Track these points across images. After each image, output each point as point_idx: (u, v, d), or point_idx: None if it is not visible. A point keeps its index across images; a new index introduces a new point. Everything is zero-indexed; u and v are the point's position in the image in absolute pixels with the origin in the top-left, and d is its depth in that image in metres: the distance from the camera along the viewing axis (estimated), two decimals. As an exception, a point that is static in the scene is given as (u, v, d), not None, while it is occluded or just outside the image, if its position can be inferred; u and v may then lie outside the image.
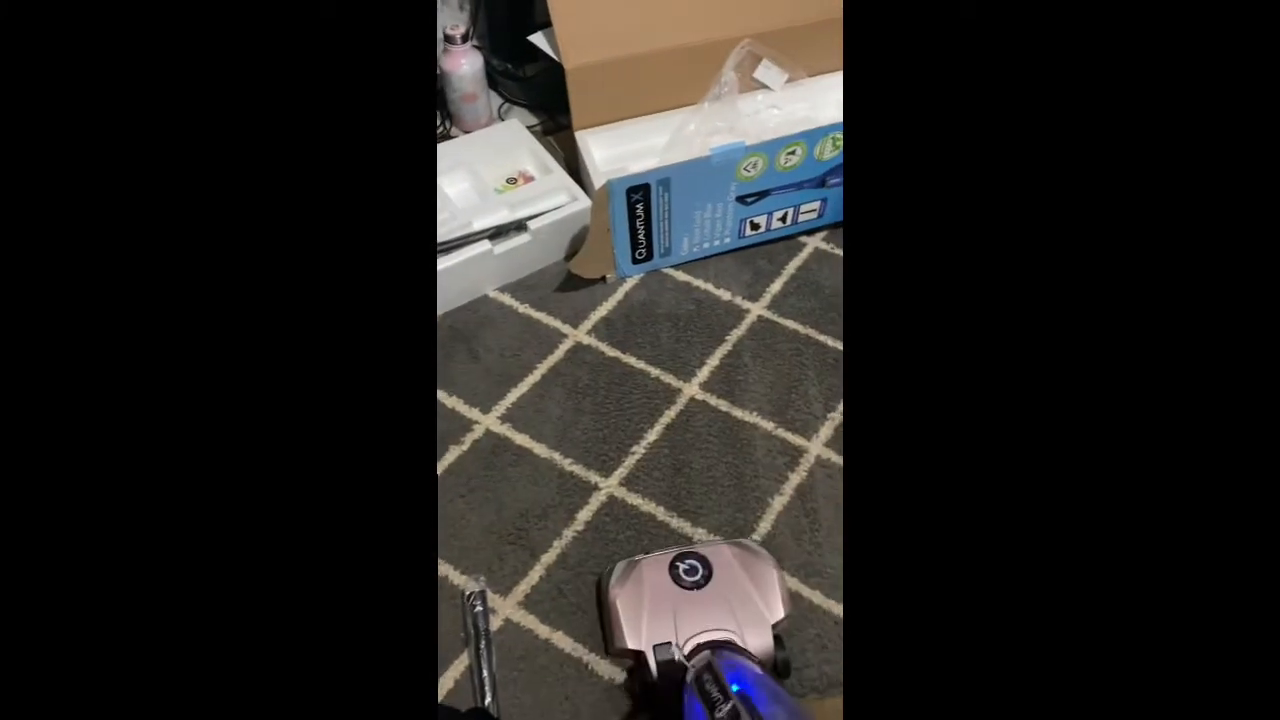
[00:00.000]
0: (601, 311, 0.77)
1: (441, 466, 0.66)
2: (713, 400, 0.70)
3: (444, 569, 0.60)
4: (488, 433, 0.68)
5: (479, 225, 0.76)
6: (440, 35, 0.89)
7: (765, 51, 0.82)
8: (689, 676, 0.46)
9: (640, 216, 0.74)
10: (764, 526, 0.62)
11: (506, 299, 0.78)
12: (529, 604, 0.59)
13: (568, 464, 0.66)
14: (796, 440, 0.67)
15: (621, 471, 0.66)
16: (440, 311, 0.76)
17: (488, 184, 0.81)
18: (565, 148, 0.88)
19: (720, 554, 0.54)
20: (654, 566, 0.53)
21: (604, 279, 0.79)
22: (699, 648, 0.49)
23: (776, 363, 0.73)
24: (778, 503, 0.64)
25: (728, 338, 0.75)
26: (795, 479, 0.65)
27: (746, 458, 0.66)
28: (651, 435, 0.68)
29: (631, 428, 0.68)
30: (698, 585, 0.52)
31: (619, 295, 0.78)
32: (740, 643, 0.50)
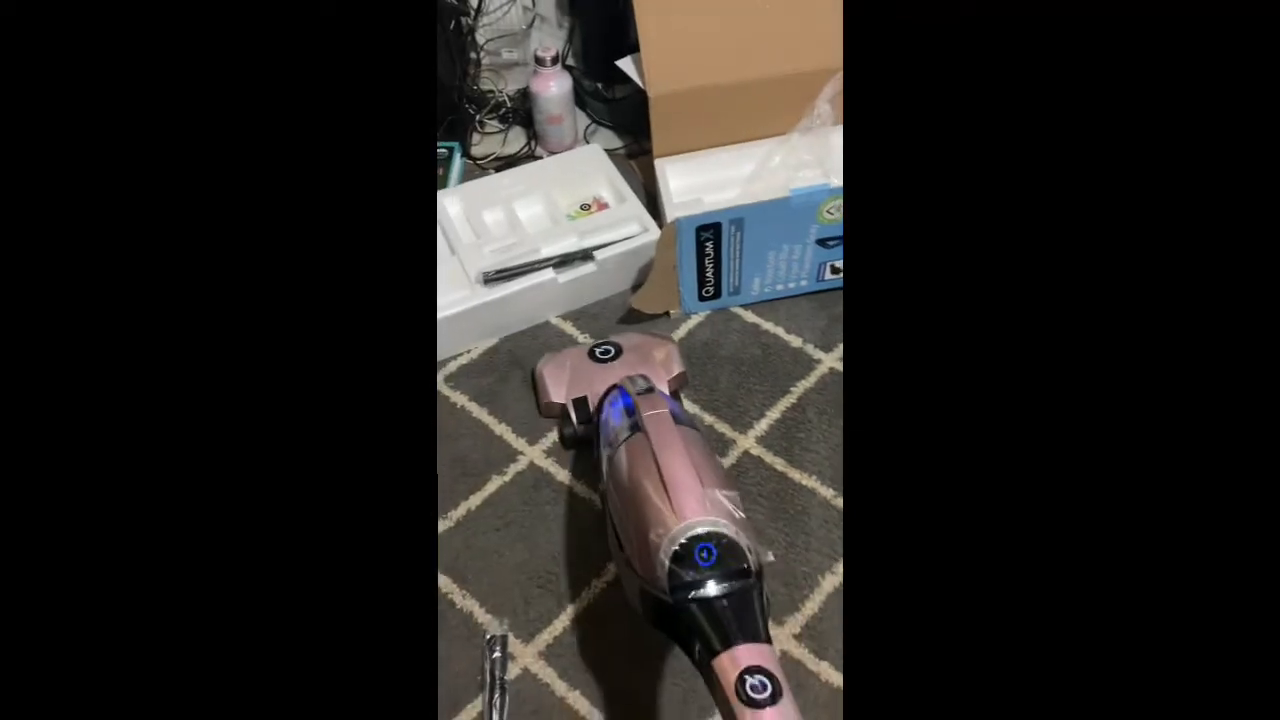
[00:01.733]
0: (662, 349, 0.74)
1: (481, 496, 0.65)
2: (769, 457, 0.66)
3: (470, 605, 0.59)
4: (531, 465, 0.67)
5: (547, 252, 0.75)
6: (532, 57, 0.89)
7: (864, 84, 0.77)
8: (614, 388, 0.60)
9: (709, 255, 0.70)
10: (810, 608, 0.57)
11: (569, 327, 0.76)
12: (550, 655, 0.56)
13: (608, 509, 0.64)
14: (856, 512, 0.62)
15: (662, 524, 0.62)
16: (501, 336, 0.76)
17: (561, 209, 0.80)
18: (646, 172, 0.85)
19: (630, 339, 0.70)
20: (576, 352, 0.69)
21: (668, 314, 0.76)
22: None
23: (843, 423, 0.67)
24: (828, 583, 0.58)
25: (793, 389, 0.70)
26: (850, 556, 0.59)
27: (799, 526, 0.61)
28: (699, 488, 0.64)
29: (679, 477, 0.65)
30: (610, 360, 0.67)
31: (681, 332, 0.75)
32: None
